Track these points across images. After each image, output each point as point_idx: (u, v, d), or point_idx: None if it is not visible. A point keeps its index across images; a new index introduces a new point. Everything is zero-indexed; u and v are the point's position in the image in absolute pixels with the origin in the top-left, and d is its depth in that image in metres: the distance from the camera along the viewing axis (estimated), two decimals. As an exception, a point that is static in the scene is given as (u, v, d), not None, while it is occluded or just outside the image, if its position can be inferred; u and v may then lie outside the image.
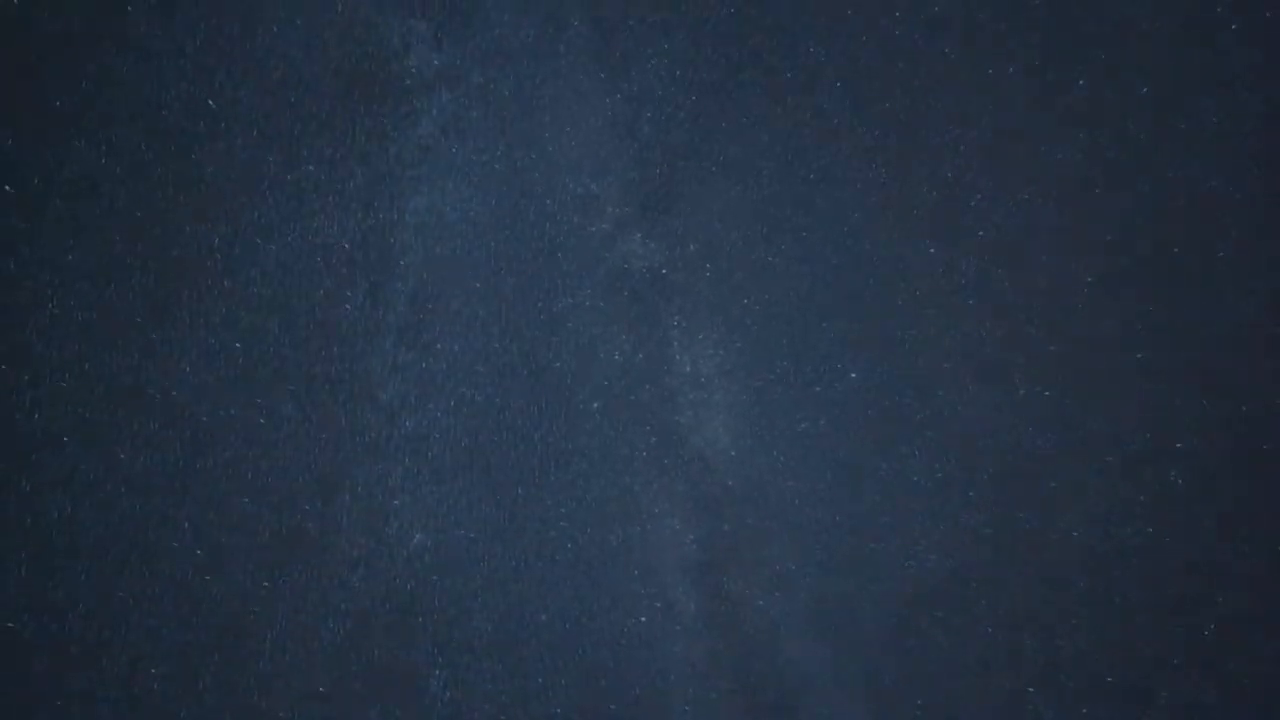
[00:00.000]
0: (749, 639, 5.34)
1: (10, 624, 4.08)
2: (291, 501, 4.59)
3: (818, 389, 5.17)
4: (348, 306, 4.66)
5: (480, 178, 4.80)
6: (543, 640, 4.98)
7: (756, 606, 5.34)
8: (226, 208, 4.42)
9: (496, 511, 4.90)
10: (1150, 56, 4.90)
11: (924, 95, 5.06)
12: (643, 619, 5.10)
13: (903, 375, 5.26)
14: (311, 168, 4.52)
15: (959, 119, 5.11)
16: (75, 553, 4.30)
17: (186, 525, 4.43)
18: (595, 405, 4.98)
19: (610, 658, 5.06)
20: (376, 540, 4.75)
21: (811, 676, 5.33)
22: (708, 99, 4.90)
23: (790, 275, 5.10)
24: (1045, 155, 5.09)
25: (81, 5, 3.97)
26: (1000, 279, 5.26)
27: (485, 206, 4.78)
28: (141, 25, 4.15)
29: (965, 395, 5.29)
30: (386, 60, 4.64)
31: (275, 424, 4.55)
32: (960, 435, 5.32)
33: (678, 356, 5.09)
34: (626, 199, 4.99)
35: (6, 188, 3.42)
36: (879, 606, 5.37)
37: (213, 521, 4.47)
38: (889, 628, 5.36)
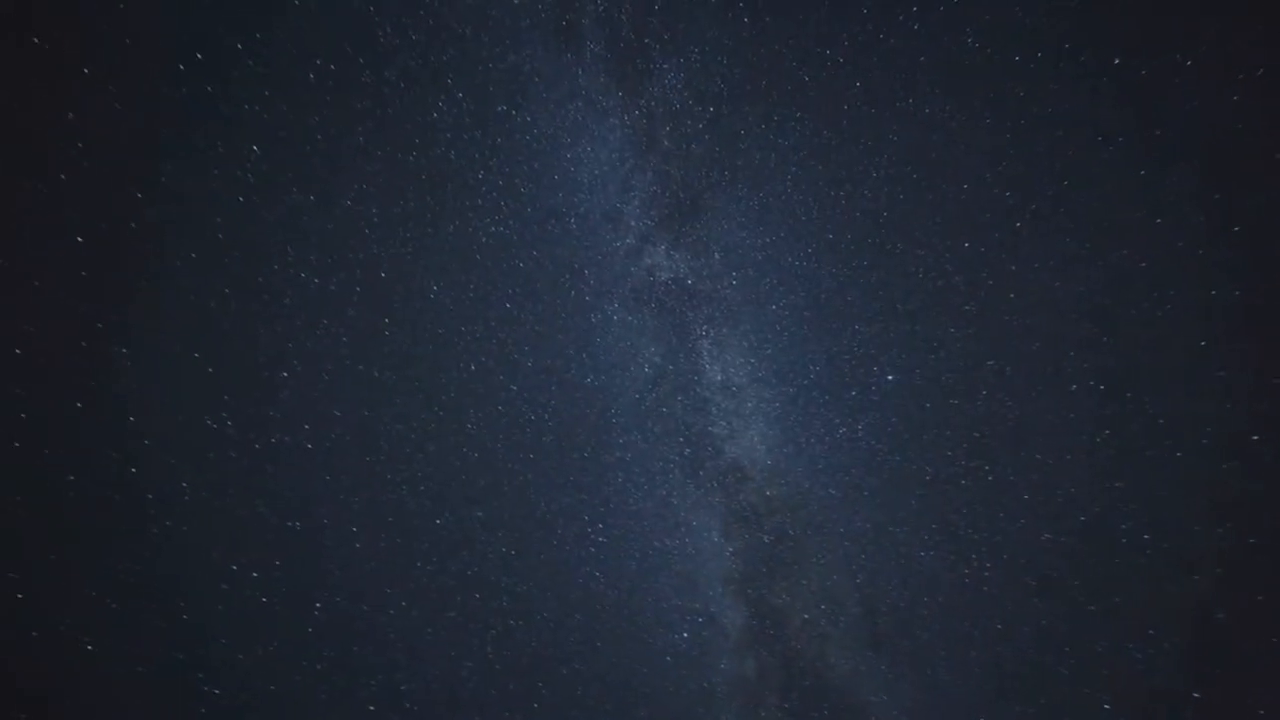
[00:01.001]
0: (797, 653, 5.09)
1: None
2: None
3: (854, 393, 4.96)
4: (387, 334, 4.78)
5: (507, 200, 4.88)
6: (586, 657, 4.89)
7: (803, 620, 5.10)
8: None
9: (534, 527, 4.87)
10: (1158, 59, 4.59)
11: (949, 90, 4.87)
12: (685, 634, 4.94)
13: (944, 375, 5.00)
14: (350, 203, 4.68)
15: (989, 110, 4.89)
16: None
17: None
18: (628, 419, 4.92)
19: (655, 674, 4.92)
20: (420, 562, 4.78)
21: (865, 692, 5.04)
22: (725, 108, 4.86)
23: (818, 278, 4.95)
24: (1085, 142, 4.81)
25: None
26: (1045, 270, 4.96)
27: (512, 228, 4.84)
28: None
29: (1013, 393, 4.98)
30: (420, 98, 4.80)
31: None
32: (1011, 436, 5.00)
33: (708, 366, 4.99)
34: (649, 212, 4.98)
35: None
36: (934, 618, 5.05)
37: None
38: (947, 641, 5.02)
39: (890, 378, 4.82)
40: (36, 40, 3.79)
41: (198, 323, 4.57)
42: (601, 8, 4.67)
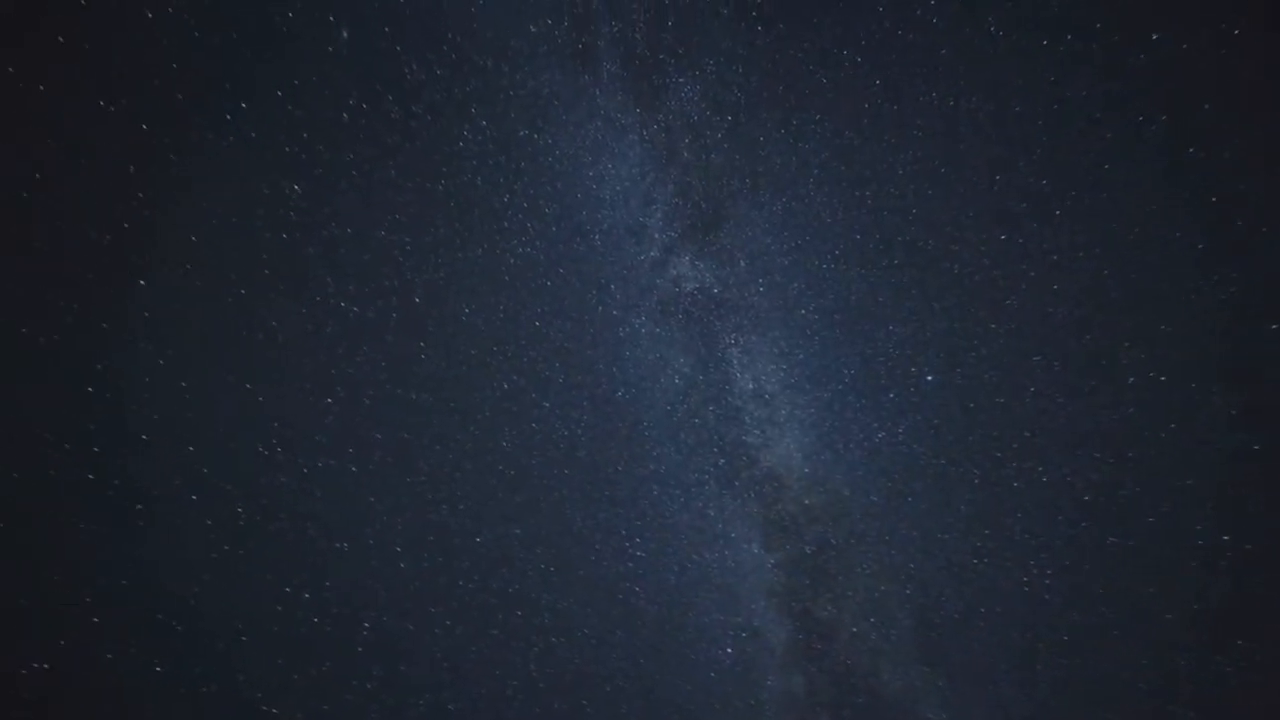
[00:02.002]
0: (848, 668, 4.83)
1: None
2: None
3: (891, 396, 4.74)
4: (423, 357, 4.84)
5: (532, 221, 4.91)
6: (629, 675, 4.75)
7: (852, 633, 4.84)
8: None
9: (571, 543, 4.80)
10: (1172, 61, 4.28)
11: (974, 81, 4.68)
12: (729, 649, 4.76)
13: (987, 373, 4.73)
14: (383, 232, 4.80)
15: (1017, 98, 4.66)
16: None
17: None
18: (660, 431, 4.82)
19: (700, 691, 4.74)
20: (462, 580, 4.77)
21: (923, 710, 4.72)
22: (743, 116, 4.79)
23: (848, 280, 4.78)
24: (1125, 123, 4.52)
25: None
26: (1091, 259, 4.66)
27: (538, 248, 4.86)
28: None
29: (1064, 390, 4.66)
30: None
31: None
32: (1064, 435, 4.68)
33: (738, 375, 4.86)
34: (672, 224, 4.93)
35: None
36: (994, 630, 4.72)
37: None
38: (1009, 654, 4.68)
39: (929, 378, 4.58)
40: (84, 85, 4.03)
41: (249, 355, 4.73)
42: (616, 28, 4.69)
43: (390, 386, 4.79)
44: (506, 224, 4.83)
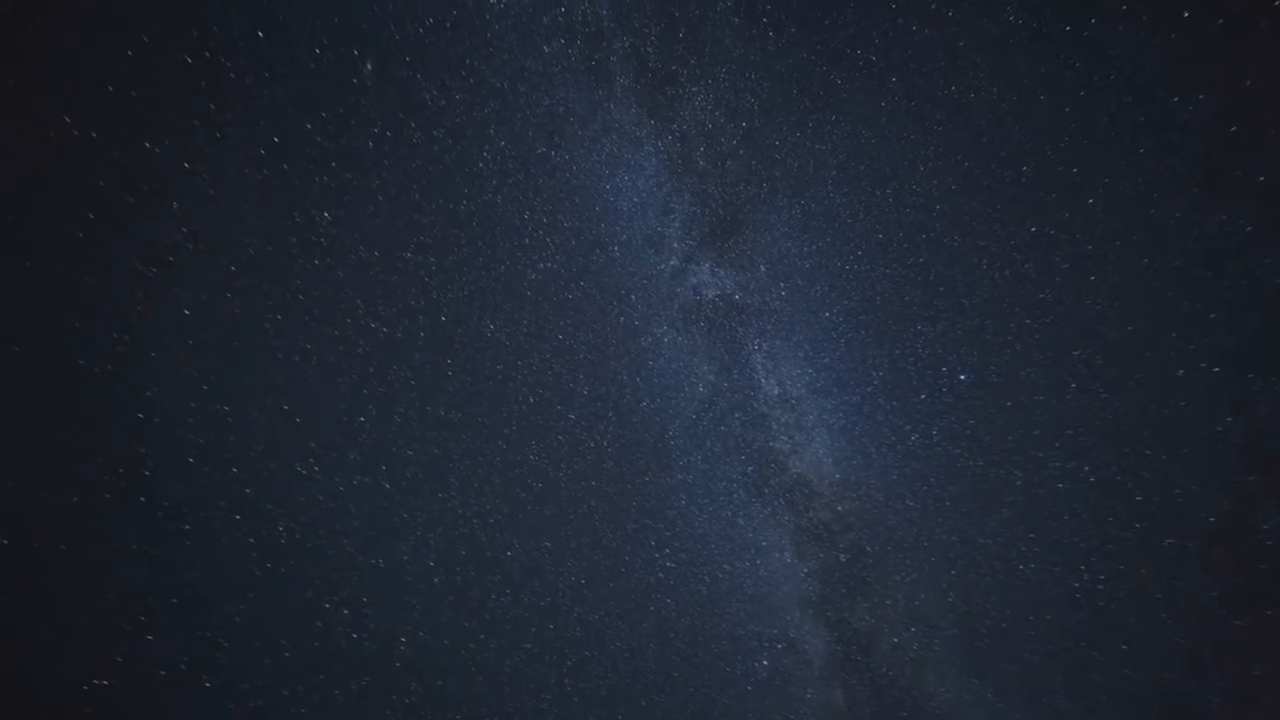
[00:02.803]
0: (890, 680, 4.62)
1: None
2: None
3: (923, 397, 4.55)
4: (450, 374, 4.88)
5: (552, 236, 4.93)
6: (664, 689, 4.64)
7: (893, 644, 4.63)
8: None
9: (601, 555, 4.74)
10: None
11: (995, 71, 4.52)
12: (765, 662, 4.60)
13: (1023, 371, 4.51)
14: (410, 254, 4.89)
15: (1042, 86, 4.48)
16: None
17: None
18: (686, 440, 4.73)
19: (736, 704, 4.59)
20: (495, 594, 4.74)
21: (970, 723, 4.47)
22: (758, 121, 4.73)
23: (872, 281, 4.63)
24: (1162, 104, 4.29)
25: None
26: (1130, 246, 4.42)
27: (559, 263, 4.87)
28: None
29: (1108, 384, 4.41)
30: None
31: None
32: (1110, 431, 4.41)
33: (763, 380, 4.75)
34: (690, 232, 4.87)
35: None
36: (1045, 639, 4.45)
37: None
38: (1063, 665, 4.41)
39: (962, 378, 4.38)
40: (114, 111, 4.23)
41: (286, 378, 4.85)
42: (628, 44, 4.70)
43: (420, 404, 4.84)
44: (527, 240, 4.86)
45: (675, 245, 4.87)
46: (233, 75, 4.42)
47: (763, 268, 4.79)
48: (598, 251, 4.90)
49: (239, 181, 4.54)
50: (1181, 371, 4.05)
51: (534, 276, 4.93)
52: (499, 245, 4.86)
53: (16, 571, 4.37)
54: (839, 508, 4.39)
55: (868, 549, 4.39)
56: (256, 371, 4.74)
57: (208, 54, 4.38)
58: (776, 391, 4.54)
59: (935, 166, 4.53)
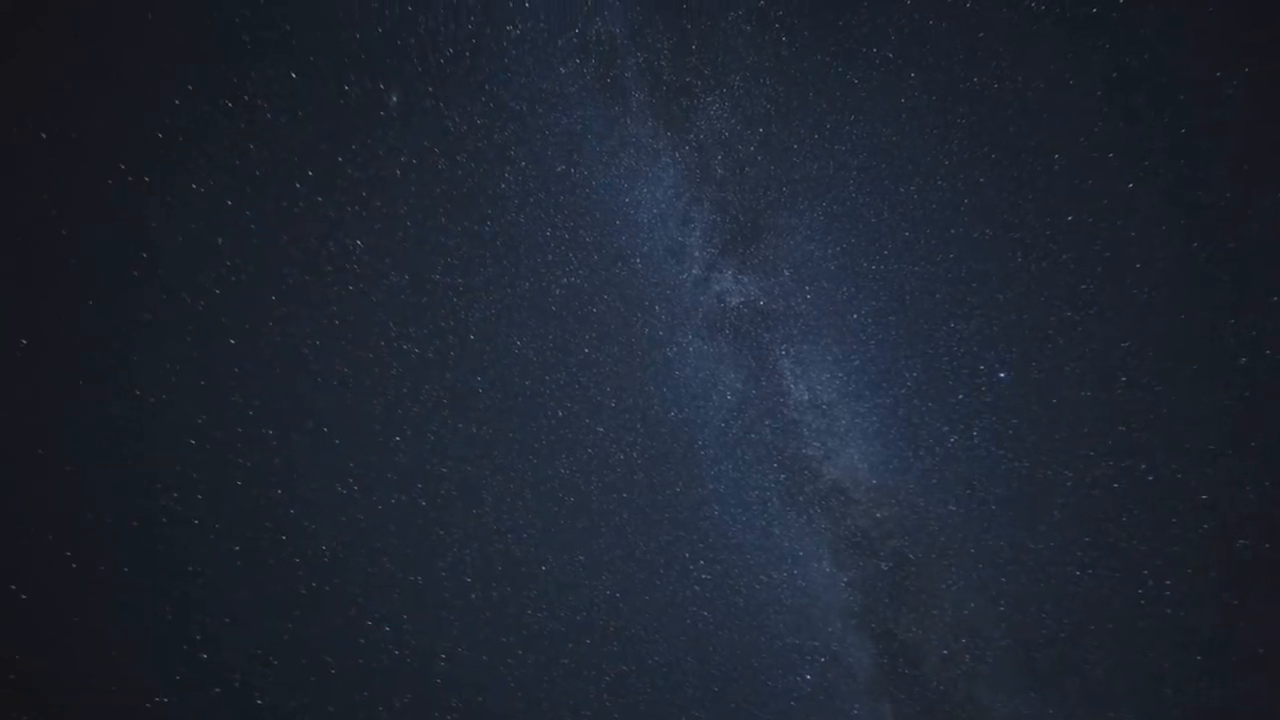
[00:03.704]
0: (941, 695, 4.36)
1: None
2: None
3: (960, 396, 4.34)
4: (480, 391, 4.90)
5: (574, 252, 4.93)
6: (704, 705, 4.49)
7: (942, 656, 4.38)
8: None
9: (635, 568, 4.64)
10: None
11: (1018, 61, 4.34)
12: (808, 676, 4.40)
13: (1067, 365, 4.25)
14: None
15: (1070, 72, 4.28)
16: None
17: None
18: (716, 449, 4.62)
19: (780, 721, 4.39)
20: (530, 609, 4.70)
21: (1031, 740, 4.17)
22: (774, 126, 4.65)
23: (900, 279, 4.47)
24: (1202, 83, 4.04)
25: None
26: (1176, 231, 4.16)
27: (581, 277, 4.87)
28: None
29: (1162, 376, 4.12)
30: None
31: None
32: (1166, 426, 4.11)
33: (792, 386, 4.61)
34: (711, 241, 4.81)
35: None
36: (1108, 650, 4.14)
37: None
38: (1128, 677, 4.08)
39: (1002, 375, 4.16)
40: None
41: (326, 402, 4.96)
42: (642, 59, 4.71)
43: (452, 422, 4.87)
44: (550, 257, 4.87)
45: (697, 254, 4.81)
46: (269, 115, 4.60)
47: (786, 272, 4.67)
48: (620, 264, 4.88)
49: (277, 215, 4.70)
50: (1244, 359, 3.75)
51: (558, 292, 4.94)
52: (523, 263, 4.89)
53: (81, 594, 4.55)
54: (878, 514, 4.20)
55: (910, 557, 4.17)
56: (297, 396, 4.85)
57: (246, 97, 4.56)
58: (806, 397, 4.40)
59: (961, 160, 4.36)
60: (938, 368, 4.15)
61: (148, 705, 4.68)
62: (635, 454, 4.72)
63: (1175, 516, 3.90)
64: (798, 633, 4.19)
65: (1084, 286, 4.04)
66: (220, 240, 4.72)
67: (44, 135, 4.20)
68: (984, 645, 4.07)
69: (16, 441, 4.20)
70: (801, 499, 4.26)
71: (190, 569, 4.62)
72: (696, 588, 4.32)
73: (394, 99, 4.78)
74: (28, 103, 4.10)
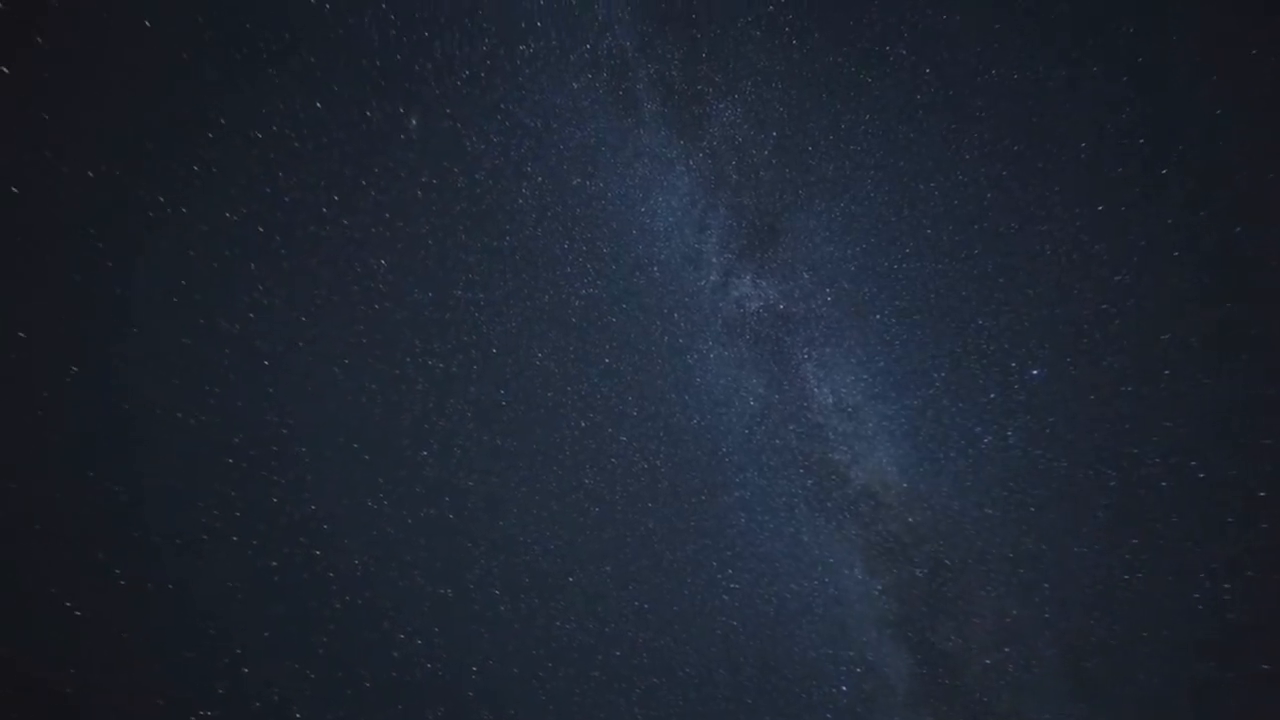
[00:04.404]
0: (985, 707, 4.15)
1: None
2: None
3: (992, 396, 4.17)
4: (503, 404, 4.91)
5: (592, 263, 4.93)
6: (737, 717, 4.36)
7: (984, 665, 4.18)
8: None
9: (662, 579, 4.56)
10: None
11: (1038, 50, 4.20)
12: (844, 687, 4.25)
13: (1105, 360, 4.06)
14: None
15: (1093, 58, 4.12)
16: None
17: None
18: (741, 455, 4.53)
19: (816, 735, 4.24)
20: (559, 621, 4.65)
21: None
22: (788, 129, 4.59)
23: (923, 278, 4.33)
24: (1236, 63, 3.84)
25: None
26: (1219, 218, 3.94)
27: (600, 288, 4.85)
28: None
29: (1207, 368, 3.90)
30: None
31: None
32: (1216, 420, 3.88)
33: (816, 390, 4.50)
34: (728, 246, 4.75)
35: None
36: (1163, 658, 3.90)
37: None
38: (1188, 688, 3.84)
39: (1035, 372, 3.99)
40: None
41: (355, 418, 5.03)
42: (653, 70, 4.71)
43: (477, 435, 4.89)
44: (569, 269, 4.88)
45: (714, 260, 4.76)
46: (296, 144, 4.73)
47: (805, 274, 4.58)
48: (638, 273, 4.85)
49: (306, 239, 4.81)
50: (1294, 348, 3.51)
51: (578, 303, 4.93)
52: (542, 276, 4.91)
53: (127, 611, 4.67)
54: (910, 519, 4.04)
55: (946, 562, 4.00)
56: (328, 415, 4.93)
57: (275, 127, 4.70)
58: (831, 400, 4.28)
59: (982, 154, 4.22)
60: (967, 367, 4.00)
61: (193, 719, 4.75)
62: (659, 462, 4.65)
63: (1231, 515, 3.66)
64: (832, 643, 4.04)
65: (1119, 278, 3.85)
66: (253, 266, 4.85)
67: (90, 174, 4.39)
68: (1028, 654, 3.86)
69: (66, 463, 4.36)
70: (830, 505, 4.13)
71: (230, 585, 4.71)
72: (725, 597, 4.21)
73: (413, 122, 4.87)
74: (80, 144, 4.30)
